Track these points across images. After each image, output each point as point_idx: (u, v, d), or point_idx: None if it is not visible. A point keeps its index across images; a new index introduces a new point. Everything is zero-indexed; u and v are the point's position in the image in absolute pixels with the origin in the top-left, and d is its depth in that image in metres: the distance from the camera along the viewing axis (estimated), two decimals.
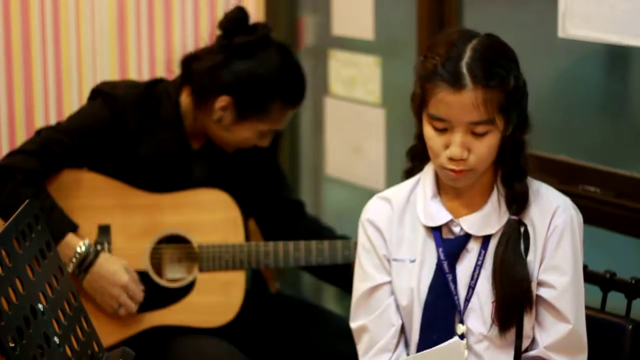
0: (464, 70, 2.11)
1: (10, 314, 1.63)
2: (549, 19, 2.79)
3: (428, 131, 2.17)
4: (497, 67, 2.13)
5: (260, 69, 2.86)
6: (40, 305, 1.74)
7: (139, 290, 2.81)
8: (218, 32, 2.95)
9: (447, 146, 2.14)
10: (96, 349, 1.89)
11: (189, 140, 2.93)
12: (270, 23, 3.00)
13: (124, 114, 2.84)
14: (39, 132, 2.87)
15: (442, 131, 2.15)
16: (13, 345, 1.61)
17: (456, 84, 2.11)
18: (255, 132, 2.88)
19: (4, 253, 1.68)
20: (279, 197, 3.06)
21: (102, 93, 2.88)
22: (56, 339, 1.74)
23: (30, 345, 1.65)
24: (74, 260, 2.75)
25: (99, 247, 2.81)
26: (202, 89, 2.87)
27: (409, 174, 2.35)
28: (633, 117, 3.04)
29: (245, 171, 2.98)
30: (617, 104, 3.07)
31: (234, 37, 2.88)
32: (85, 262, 2.76)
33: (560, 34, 2.70)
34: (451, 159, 2.14)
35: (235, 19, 2.90)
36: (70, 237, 2.77)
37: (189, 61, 2.93)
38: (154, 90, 2.91)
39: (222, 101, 2.85)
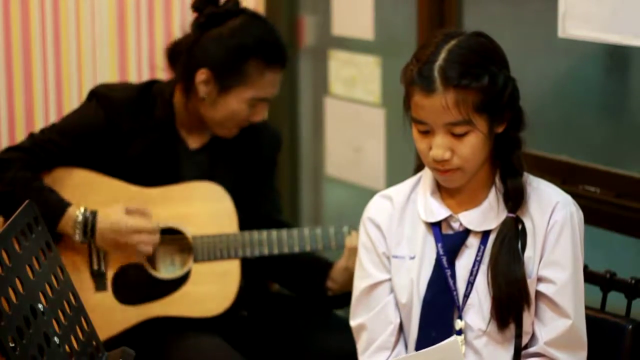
0: (436, 73, 2.13)
1: (10, 314, 1.63)
2: (549, 19, 2.79)
3: (414, 134, 2.20)
4: (471, 67, 2.14)
5: (228, 33, 2.83)
6: (40, 305, 1.74)
7: (148, 223, 2.81)
8: (193, 15, 2.94)
9: (431, 148, 2.17)
10: (96, 349, 1.89)
11: (184, 140, 2.93)
12: None
13: (118, 116, 2.85)
14: (32, 134, 2.90)
15: (425, 133, 2.17)
16: (13, 345, 1.61)
17: (427, 87, 2.13)
18: (242, 101, 2.84)
19: (4, 253, 1.68)
20: (263, 213, 3.03)
21: (97, 95, 2.89)
22: (56, 339, 1.74)
23: (30, 345, 1.65)
24: (77, 230, 2.77)
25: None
26: (183, 71, 2.87)
27: (418, 170, 2.37)
28: (633, 117, 3.04)
29: (241, 179, 2.97)
30: (617, 104, 3.07)
31: (202, 13, 2.89)
32: (88, 226, 2.78)
33: (560, 34, 2.70)
34: (435, 160, 2.16)
35: None
36: (68, 211, 2.78)
37: (172, 53, 2.93)
38: (149, 92, 2.91)
39: (201, 74, 2.84)
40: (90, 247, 2.84)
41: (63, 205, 2.78)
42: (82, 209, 2.78)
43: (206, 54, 2.84)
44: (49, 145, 2.84)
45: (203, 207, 2.88)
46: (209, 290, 2.86)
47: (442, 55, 2.14)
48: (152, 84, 2.96)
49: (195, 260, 2.86)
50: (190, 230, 2.87)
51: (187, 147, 2.93)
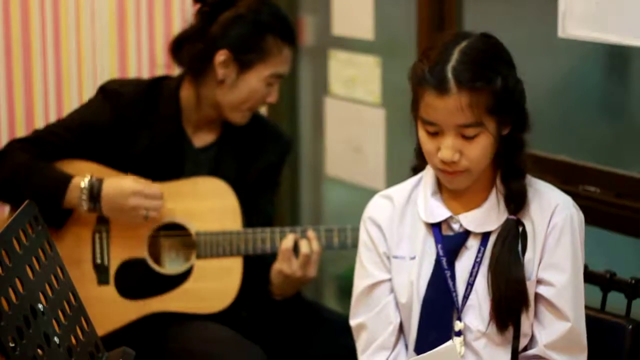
0: (449, 74, 2.12)
1: (10, 314, 1.63)
2: (549, 19, 2.79)
3: (422, 134, 2.19)
4: (484, 69, 2.13)
5: (245, 11, 2.88)
6: (40, 305, 1.74)
7: (153, 189, 2.81)
8: (195, 7, 2.96)
9: (439, 149, 2.15)
10: (96, 349, 1.89)
11: (190, 138, 2.93)
12: None
13: (124, 110, 2.86)
14: (36, 130, 2.93)
15: (434, 134, 2.16)
16: (13, 345, 1.61)
17: (441, 88, 2.11)
18: (261, 79, 2.87)
19: (4, 253, 1.68)
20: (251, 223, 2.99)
21: (105, 90, 2.91)
22: (56, 339, 1.74)
23: (30, 345, 1.65)
24: (83, 197, 2.78)
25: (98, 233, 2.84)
26: (197, 56, 2.88)
27: (416, 171, 2.36)
28: (633, 117, 3.05)
29: (243, 182, 2.95)
30: (617, 104, 3.07)
31: (206, 2, 2.91)
32: (94, 192, 2.78)
33: (560, 34, 2.70)
34: (443, 162, 2.15)
35: None
36: (73, 181, 2.79)
37: (177, 47, 2.94)
38: (157, 87, 2.92)
39: (221, 55, 2.86)
40: (94, 238, 2.84)
41: (67, 178, 2.79)
42: (87, 176, 2.79)
43: (225, 34, 2.86)
44: (53, 138, 2.85)
45: (207, 203, 2.89)
46: (211, 287, 2.86)
47: (455, 56, 2.13)
48: (162, 79, 2.97)
49: (198, 257, 2.86)
50: (194, 226, 2.87)
51: (192, 145, 2.94)
